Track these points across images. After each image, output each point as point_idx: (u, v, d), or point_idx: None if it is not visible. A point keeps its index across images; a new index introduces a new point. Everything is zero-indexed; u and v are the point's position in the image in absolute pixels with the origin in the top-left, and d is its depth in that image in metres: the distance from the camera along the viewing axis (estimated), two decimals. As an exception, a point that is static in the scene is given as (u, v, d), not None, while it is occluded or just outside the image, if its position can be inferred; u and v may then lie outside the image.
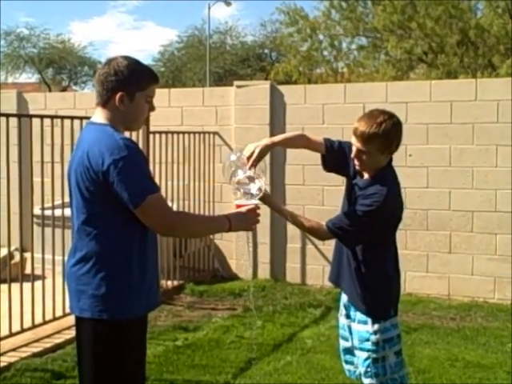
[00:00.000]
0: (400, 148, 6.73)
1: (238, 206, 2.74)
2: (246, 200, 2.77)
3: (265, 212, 7.34)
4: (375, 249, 3.04)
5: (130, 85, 2.59)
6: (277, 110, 7.15)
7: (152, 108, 2.71)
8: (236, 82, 7.51)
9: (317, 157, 7.07)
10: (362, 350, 3.05)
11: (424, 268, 6.68)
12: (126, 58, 2.65)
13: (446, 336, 5.33)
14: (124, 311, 2.57)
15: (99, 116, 2.63)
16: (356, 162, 3.07)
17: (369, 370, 3.04)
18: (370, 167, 3.04)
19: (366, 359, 3.04)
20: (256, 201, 2.80)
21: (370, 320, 3.02)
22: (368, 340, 3.02)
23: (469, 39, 18.19)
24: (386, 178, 3.02)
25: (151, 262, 2.68)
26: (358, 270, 3.05)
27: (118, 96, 2.57)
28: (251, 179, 2.83)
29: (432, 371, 4.51)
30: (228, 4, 32.83)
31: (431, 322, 5.75)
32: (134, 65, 2.63)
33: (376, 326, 3.00)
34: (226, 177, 2.91)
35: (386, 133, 2.99)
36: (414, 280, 6.70)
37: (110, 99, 2.59)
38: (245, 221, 2.71)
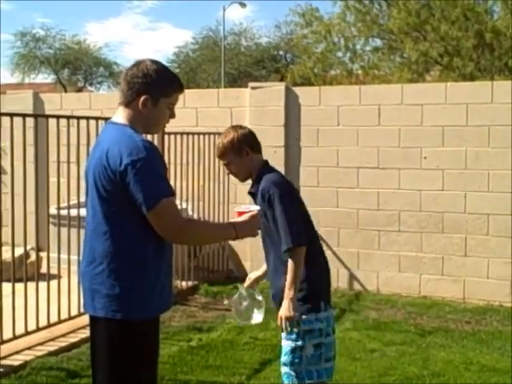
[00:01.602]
0: (415, 150, 6.80)
1: (240, 214, 2.74)
2: (245, 207, 2.83)
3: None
4: None
5: (155, 89, 2.59)
6: (291, 112, 7.15)
7: (173, 115, 2.71)
8: (251, 84, 7.52)
9: (331, 159, 7.14)
10: (285, 338, 3.18)
11: (439, 271, 6.65)
12: (156, 62, 2.66)
13: (460, 339, 5.30)
14: (137, 312, 2.56)
15: (120, 116, 2.63)
16: (232, 176, 3.45)
17: (286, 357, 3.16)
18: (242, 171, 3.36)
19: (286, 347, 3.17)
20: (256, 207, 2.87)
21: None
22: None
23: (485, 42, 18.10)
24: (264, 172, 3.29)
25: (166, 263, 2.67)
26: (284, 265, 3.14)
27: (142, 99, 2.57)
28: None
29: (447, 374, 4.49)
30: (243, 5, 32.87)
31: (446, 326, 5.72)
32: (162, 70, 2.64)
33: (301, 317, 3.10)
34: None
35: (231, 140, 3.32)
36: (428, 283, 6.68)
37: (133, 100, 2.59)
38: (249, 228, 2.70)
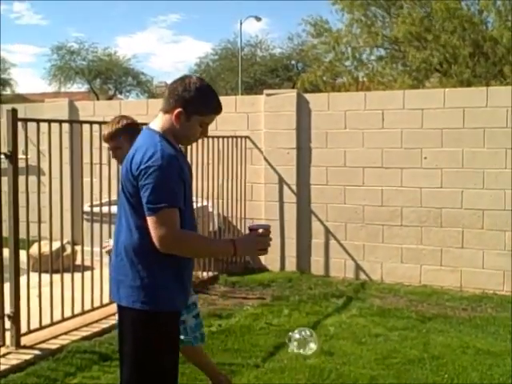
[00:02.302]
0: (416, 151, 6.77)
1: (251, 230, 2.57)
2: (256, 225, 2.64)
3: (292, 211, 7.36)
4: None
5: (191, 105, 2.52)
6: (303, 116, 7.12)
7: (205, 133, 2.64)
8: (266, 91, 7.50)
9: (339, 159, 7.12)
10: None
11: (438, 262, 6.61)
12: (201, 80, 2.58)
13: (458, 325, 5.26)
14: (157, 303, 2.53)
15: (156, 122, 2.60)
16: (117, 161, 3.59)
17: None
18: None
19: None
20: (265, 224, 2.67)
21: None
22: None
23: (481, 50, 17.95)
24: None
25: (188, 260, 2.63)
26: None
27: (176, 111, 2.52)
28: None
29: (445, 357, 4.46)
30: (258, 19, 32.84)
31: (444, 312, 5.68)
32: (203, 89, 2.55)
33: None
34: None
35: (121, 127, 3.58)
36: (428, 273, 6.64)
37: (170, 110, 2.54)
38: (251, 246, 2.55)
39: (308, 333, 4.63)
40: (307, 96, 7.32)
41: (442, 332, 5.07)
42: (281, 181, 7.19)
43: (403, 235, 6.73)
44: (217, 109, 2.61)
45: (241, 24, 32.16)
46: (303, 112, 7.13)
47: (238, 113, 7.45)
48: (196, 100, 2.52)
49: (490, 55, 17.82)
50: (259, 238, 2.53)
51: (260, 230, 2.53)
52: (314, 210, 7.12)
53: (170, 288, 2.56)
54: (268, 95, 7.34)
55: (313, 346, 4.52)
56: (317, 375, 4.14)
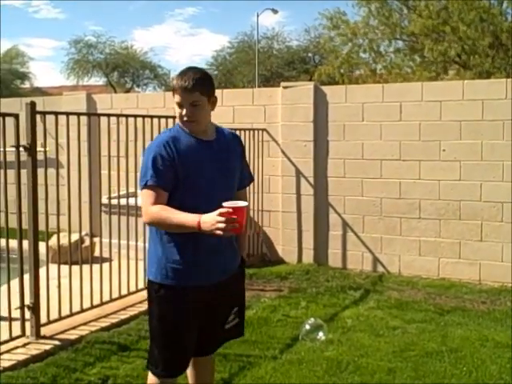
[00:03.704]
0: (434, 143, 6.72)
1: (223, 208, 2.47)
2: (230, 203, 2.50)
3: (309, 203, 7.34)
4: None
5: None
6: (320, 109, 7.09)
7: (188, 115, 2.73)
8: (283, 83, 7.48)
9: (357, 151, 7.09)
10: None
11: (456, 255, 6.56)
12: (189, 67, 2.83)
13: (476, 318, 5.23)
14: (165, 277, 2.76)
15: None
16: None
17: None
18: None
19: None
20: (243, 203, 2.55)
21: None
22: None
23: (500, 41, 17.75)
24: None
25: (207, 242, 2.69)
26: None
27: None
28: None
29: (464, 350, 4.43)
30: (275, 12, 32.75)
31: (463, 305, 5.65)
32: (178, 73, 2.78)
33: None
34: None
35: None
36: (447, 266, 6.59)
37: None
38: (210, 224, 2.46)
39: (318, 322, 4.57)
40: (324, 88, 7.28)
41: (460, 325, 5.03)
42: (298, 173, 7.17)
43: (421, 228, 6.68)
44: (175, 87, 2.73)
45: (257, 17, 32.16)
46: (320, 104, 7.10)
47: (255, 105, 7.44)
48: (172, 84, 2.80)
49: (510, 46, 17.62)
50: (218, 218, 2.44)
51: (222, 210, 2.44)
52: (331, 202, 7.10)
53: (186, 266, 2.76)
54: (285, 88, 7.31)
55: (321, 335, 4.43)
56: (334, 367, 4.13)
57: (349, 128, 6.97)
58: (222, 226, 2.42)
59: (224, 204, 2.48)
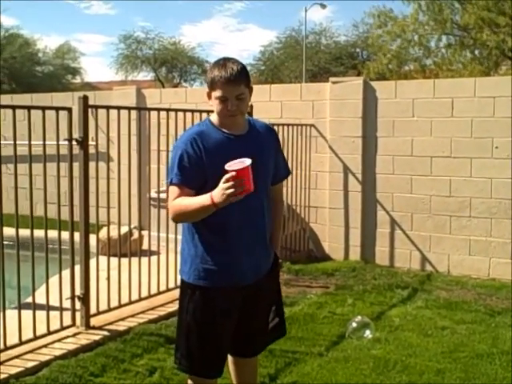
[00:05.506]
0: (486, 140, 6.54)
1: (226, 172, 2.42)
2: (232, 163, 2.44)
3: (357, 200, 7.27)
4: None
5: (208, 84, 2.71)
6: (369, 104, 7.01)
7: (231, 108, 2.63)
8: (332, 79, 7.42)
9: (406, 148, 6.97)
10: None
11: (508, 255, 6.39)
12: (220, 58, 2.72)
13: (529, 320, 5.09)
14: (199, 278, 2.73)
15: None
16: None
17: None
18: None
19: None
20: (248, 160, 2.46)
21: None
22: None
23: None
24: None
25: (239, 242, 2.70)
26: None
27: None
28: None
29: (515, 353, 4.32)
30: (323, 6, 32.50)
31: (515, 306, 5.51)
32: (211, 66, 2.69)
33: None
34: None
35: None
36: (497, 266, 6.44)
37: None
38: (221, 194, 2.42)
39: (365, 320, 4.60)
40: (374, 84, 7.19)
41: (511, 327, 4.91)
42: (346, 169, 7.11)
43: (472, 227, 6.54)
44: (215, 79, 2.61)
45: (306, 11, 31.94)
46: (369, 100, 7.01)
47: (303, 101, 7.40)
48: (208, 77, 2.68)
49: None
50: (225, 185, 2.40)
51: (227, 176, 2.40)
52: (379, 199, 7.02)
53: (216, 267, 2.74)
54: (334, 83, 7.25)
55: (368, 333, 4.48)
56: (381, 366, 4.08)
57: (398, 124, 6.87)
58: (231, 191, 2.38)
59: (227, 168, 2.42)
